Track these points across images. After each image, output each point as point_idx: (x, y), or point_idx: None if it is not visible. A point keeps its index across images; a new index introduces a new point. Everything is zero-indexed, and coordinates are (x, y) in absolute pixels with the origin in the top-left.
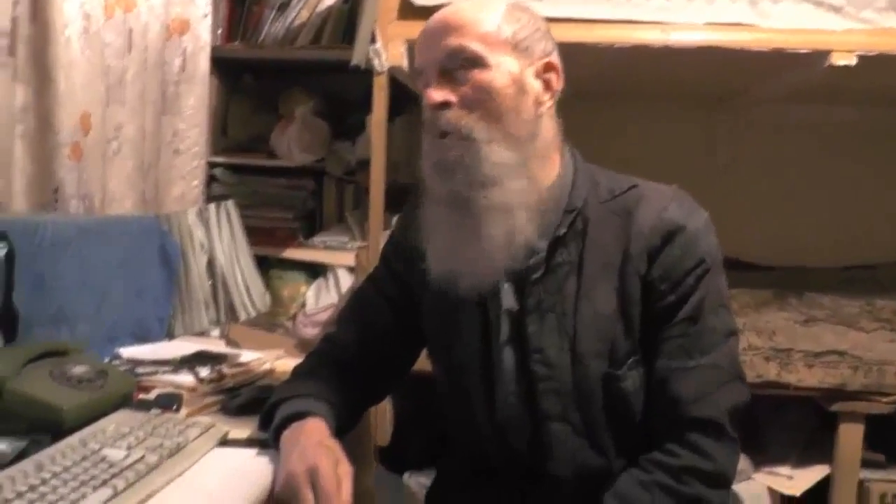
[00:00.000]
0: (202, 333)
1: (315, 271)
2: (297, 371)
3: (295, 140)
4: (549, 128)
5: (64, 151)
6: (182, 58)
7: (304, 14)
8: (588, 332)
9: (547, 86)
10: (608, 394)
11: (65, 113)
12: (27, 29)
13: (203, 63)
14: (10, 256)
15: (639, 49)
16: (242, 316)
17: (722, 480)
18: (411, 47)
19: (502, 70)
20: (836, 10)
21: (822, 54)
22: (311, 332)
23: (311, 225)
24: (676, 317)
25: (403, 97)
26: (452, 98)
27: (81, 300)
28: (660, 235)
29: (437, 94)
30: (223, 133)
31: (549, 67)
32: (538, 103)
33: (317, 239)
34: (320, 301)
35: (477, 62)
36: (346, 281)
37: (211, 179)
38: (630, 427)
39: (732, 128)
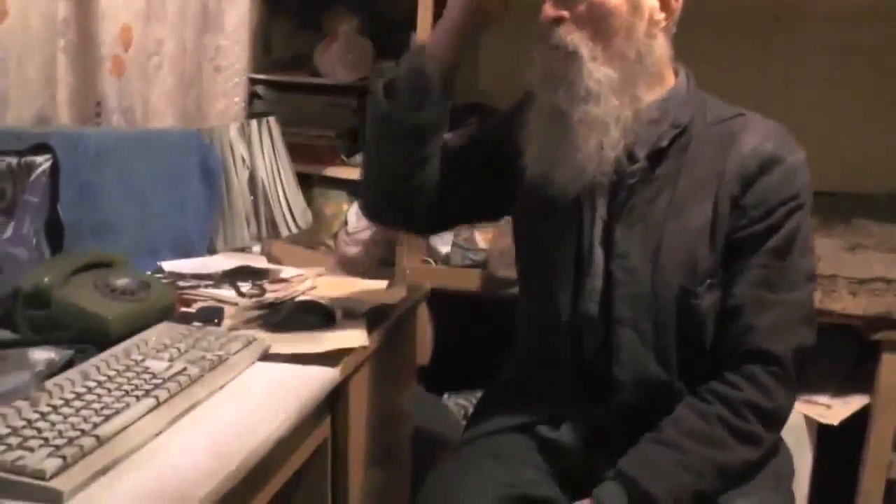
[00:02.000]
0: (243, 249)
1: (355, 189)
2: None
3: (338, 58)
4: (661, 47)
5: (105, 65)
6: None
7: None
8: (673, 244)
9: (664, 5)
10: (682, 309)
11: (105, 26)
12: None
13: None
14: (54, 168)
15: None
16: (284, 232)
17: (779, 420)
18: None
19: None
20: None
21: None
22: (352, 250)
23: (354, 143)
24: (764, 246)
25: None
26: (566, 14)
27: (124, 212)
28: (758, 162)
29: (551, 10)
30: (266, 50)
31: None
32: (653, 23)
33: (359, 157)
34: (362, 220)
35: None
36: None
37: (253, 96)
38: (697, 347)
39: (788, 48)
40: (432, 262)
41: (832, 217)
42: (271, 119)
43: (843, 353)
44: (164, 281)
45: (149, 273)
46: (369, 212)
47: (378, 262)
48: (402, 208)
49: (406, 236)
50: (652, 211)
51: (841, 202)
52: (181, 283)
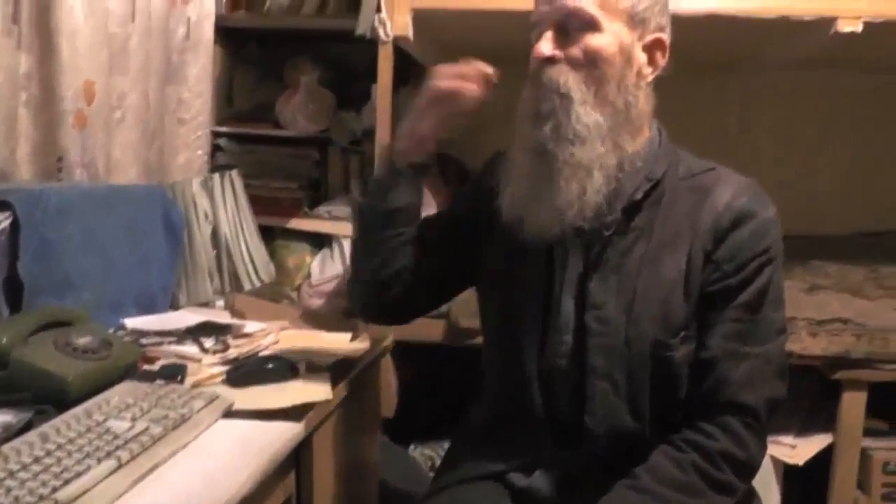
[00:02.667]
0: (206, 304)
1: (320, 241)
2: None
3: (300, 109)
4: (644, 100)
5: (68, 119)
6: (186, 26)
7: None
8: (647, 296)
9: (651, 60)
10: (656, 361)
11: (68, 81)
12: None
13: (207, 31)
14: (14, 226)
15: None
16: (247, 286)
17: (752, 470)
18: (417, 17)
19: (614, 38)
20: None
21: (828, 21)
22: (316, 302)
23: (317, 195)
24: (737, 300)
25: (409, 66)
26: (560, 54)
27: (86, 269)
28: (731, 217)
29: (545, 48)
30: (228, 102)
31: (658, 43)
32: (640, 76)
33: (322, 209)
34: (325, 271)
35: (592, 26)
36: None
37: (215, 149)
38: (671, 398)
39: (743, 95)
40: None
41: (790, 260)
42: (233, 173)
43: (804, 392)
44: (126, 338)
45: (111, 330)
46: (357, 307)
47: (342, 313)
48: (385, 298)
49: None
50: (627, 262)
51: (798, 244)
52: (144, 340)
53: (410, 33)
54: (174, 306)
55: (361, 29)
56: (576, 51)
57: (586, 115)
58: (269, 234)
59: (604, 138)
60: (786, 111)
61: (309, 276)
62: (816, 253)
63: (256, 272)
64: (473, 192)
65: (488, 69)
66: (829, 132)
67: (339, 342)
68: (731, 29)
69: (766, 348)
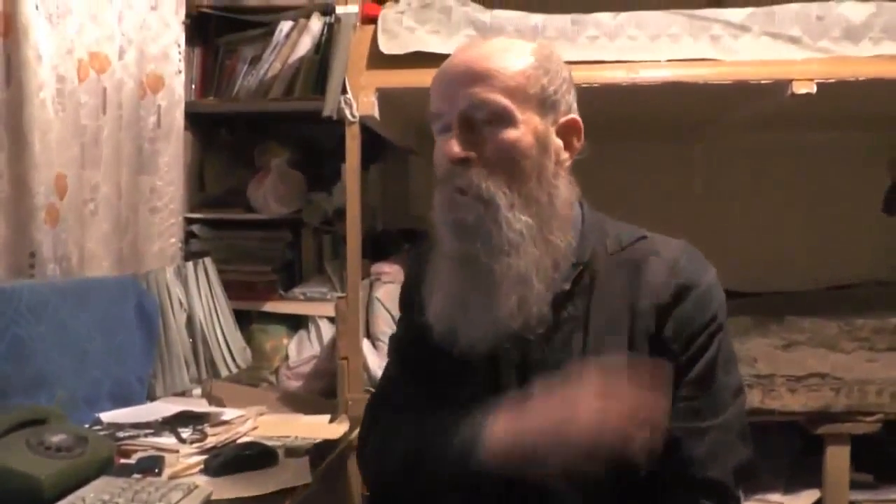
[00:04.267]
0: (184, 392)
1: (296, 323)
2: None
3: (271, 192)
4: (566, 186)
5: (40, 215)
6: (157, 115)
7: (277, 66)
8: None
9: (567, 145)
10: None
11: (40, 176)
12: (1, 94)
13: (178, 119)
14: None
15: (606, 88)
16: (224, 373)
17: None
18: (382, 96)
19: (529, 128)
20: (795, 41)
21: (784, 84)
22: (294, 384)
23: (291, 276)
24: (688, 376)
25: (377, 144)
26: (473, 155)
27: (59, 365)
28: (670, 292)
29: (457, 149)
30: (200, 188)
31: (571, 126)
32: (559, 164)
33: (297, 290)
34: (303, 353)
35: (504, 118)
36: (328, 331)
37: (189, 235)
38: (632, 485)
39: (705, 157)
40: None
41: (765, 316)
42: (207, 260)
43: (787, 448)
44: (102, 433)
45: (87, 425)
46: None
47: (320, 394)
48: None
49: (346, 368)
50: (565, 356)
51: (770, 301)
52: (120, 434)
53: (376, 112)
54: (151, 396)
55: (328, 111)
56: (490, 149)
57: (516, 220)
58: (245, 318)
59: (535, 240)
60: (749, 171)
61: (287, 358)
62: (790, 308)
63: (233, 358)
64: (405, 312)
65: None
66: (793, 189)
67: (318, 425)
68: (690, 95)
69: (725, 417)
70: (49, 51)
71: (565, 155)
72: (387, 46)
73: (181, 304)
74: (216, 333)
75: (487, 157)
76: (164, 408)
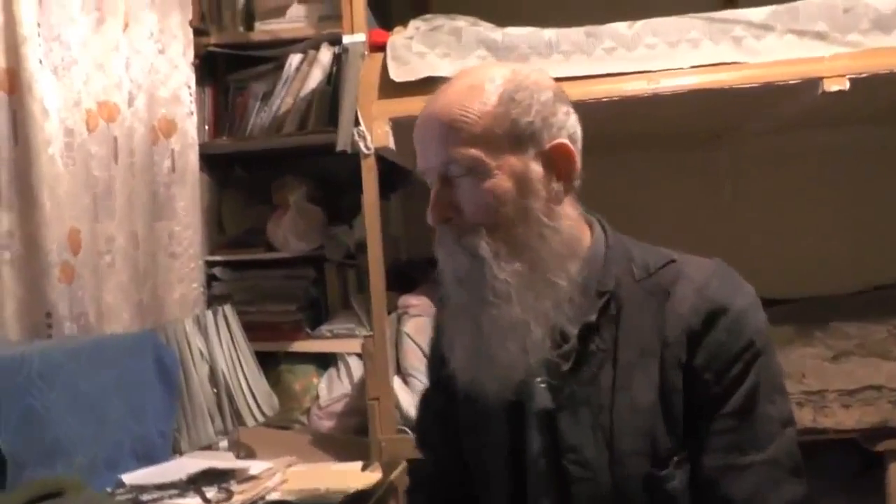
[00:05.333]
0: (210, 446)
1: (325, 361)
2: None
3: (290, 229)
4: (568, 216)
5: (54, 273)
6: (171, 159)
7: (289, 100)
8: (627, 427)
9: (559, 173)
10: (652, 497)
11: (51, 233)
12: (8, 152)
13: (192, 161)
14: None
15: (628, 100)
16: (250, 422)
17: None
18: (396, 126)
19: (504, 173)
20: (822, 36)
21: (814, 82)
22: (326, 424)
23: (317, 314)
24: (725, 408)
25: (397, 172)
26: (450, 214)
27: (76, 431)
28: (701, 318)
29: (433, 213)
30: (219, 230)
31: (559, 151)
32: (551, 198)
33: (323, 328)
34: (333, 392)
35: (477, 171)
36: (358, 368)
37: (210, 278)
38: None
39: (734, 162)
40: (408, 432)
41: (807, 324)
42: (226, 307)
43: (843, 467)
44: (125, 496)
45: (108, 489)
46: None
47: (353, 433)
48: None
49: (377, 409)
50: (595, 392)
51: (811, 306)
52: (144, 497)
53: (391, 143)
54: (176, 452)
55: (341, 144)
56: (468, 203)
57: (500, 270)
58: (272, 360)
59: (529, 285)
60: (780, 173)
61: (317, 397)
62: (833, 314)
63: (259, 406)
64: (433, 359)
65: None
66: (827, 188)
67: (351, 473)
68: (715, 101)
69: (770, 451)
70: (56, 104)
71: (556, 186)
72: (397, 74)
73: (202, 354)
74: (240, 383)
75: (467, 211)
76: (190, 463)
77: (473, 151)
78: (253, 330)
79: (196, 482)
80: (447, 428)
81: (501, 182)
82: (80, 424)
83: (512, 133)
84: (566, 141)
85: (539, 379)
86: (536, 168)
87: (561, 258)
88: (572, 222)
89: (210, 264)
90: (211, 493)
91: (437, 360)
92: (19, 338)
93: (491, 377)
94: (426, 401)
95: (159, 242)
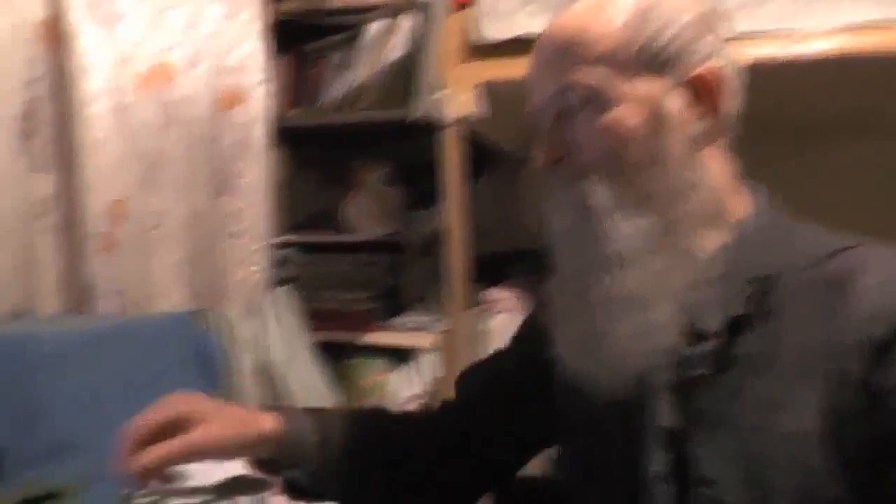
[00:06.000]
0: None
1: (396, 356)
2: None
3: (366, 212)
4: (714, 169)
5: (94, 244)
6: (235, 131)
7: (367, 72)
8: (780, 459)
9: (707, 109)
10: None
11: (93, 200)
12: (47, 110)
13: (260, 135)
14: None
15: (758, 68)
16: None
17: None
18: (483, 92)
19: (634, 102)
20: None
21: None
22: None
23: (391, 304)
24: None
25: (486, 154)
26: (562, 154)
27: (86, 423)
28: (888, 324)
29: (542, 153)
30: (288, 209)
31: (704, 81)
32: (691, 140)
33: (396, 320)
34: (404, 391)
35: (596, 100)
36: (432, 367)
37: (278, 261)
38: None
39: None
40: None
41: None
42: (283, 291)
43: None
44: (143, 501)
45: (126, 492)
46: None
47: None
48: None
49: None
50: (737, 410)
51: None
52: None
53: (477, 110)
54: None
55: (419, 112)
56: (585, 137)
57: (622, 225)
58: (338, 351)
59: (656, 249)
60: None
61: (385, 396)
62: None
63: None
64: (524, 329)
65: None
66: None
67: None
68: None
69: None
70: (100, 62)
71: (700, 124)
72: (487, 32)
73: (252, 345)
74: (294, 380)
75: (584, 151)
76: (218, 470)
77: (593, 75)
78: (320, 318)
79: (227, 490)
80: (494, 391)
81: (627, 114)
82: (93, 418)
83: (648, 53)
84: (716, 65)
85: (663, 382)
86: (674, 100)
87: (700, 222)
88: (721, 180)
89: (279, 245)
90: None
91: (530, 333)
92: (56, 312)
93: (600, 365)
94: (496, 355)
95: (219, 220)
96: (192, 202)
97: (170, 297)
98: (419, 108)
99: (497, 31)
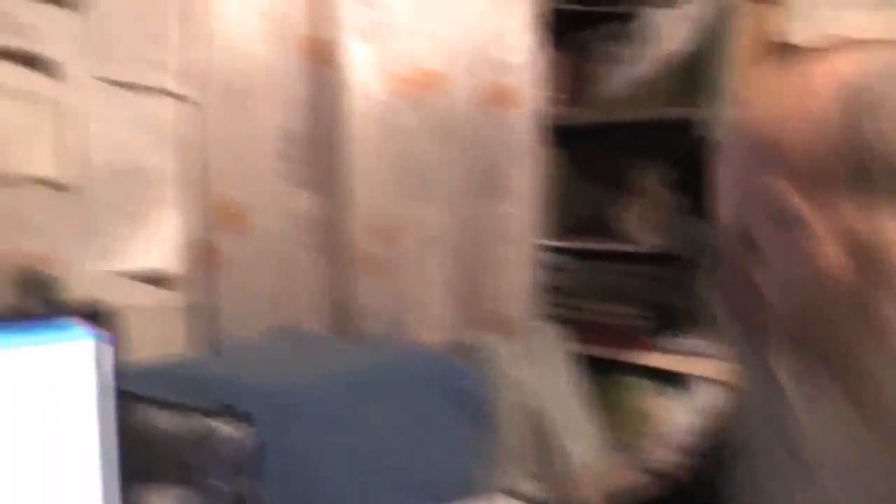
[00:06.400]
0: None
1: (664, 380)
2: None
3: (641, 219)
4: None
5: (361, 263)
6: (506, 133)
7: (649, 66)
8: None
9: None
10: None
11: (358, 217)
12: (308, 124)
13: (532, 135)
14: (254, 447)
15: None
16: (571, 476)
17: None
18: None
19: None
20: None
21: None
22: (665, 459)
23: (664, 322)
24: None
25: None
26: None
27: (344, 477)
28: None
29: None
30: (560, 213)
31: None
32: None
33: (671, 341)
34: (679, 420)
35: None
36: (710, 398)
37: (551, 269)
38: None
39: None
40: None
41: None
42: (555, 328)
43: None
44: None
45: None
46: None
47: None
48: None
49: None
50: None
51: None
52: None
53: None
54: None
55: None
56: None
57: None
58: (603, 368)
59: (862, 449)
60: None
61: (653, 424)
62: None
63: (585, 450)
64: None
65: None
66: None
67: None
68: None
69: None
70: (364, 72)
71: None
72: (794, 31)
73: (520, 386)
74: (564, 424)
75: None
76: None
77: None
78: (588, 331)
79: None
80: None
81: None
82: (350, 470)
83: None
84: None
85: None
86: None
87: None
88: None
89: (549, 251)
90: None
91: None
92: (315, 334)
93: None
94: None
95: (488, 228)
96: (457, 210)
97: (441, 319)
98: (708, 109)
99: (803, 30)
